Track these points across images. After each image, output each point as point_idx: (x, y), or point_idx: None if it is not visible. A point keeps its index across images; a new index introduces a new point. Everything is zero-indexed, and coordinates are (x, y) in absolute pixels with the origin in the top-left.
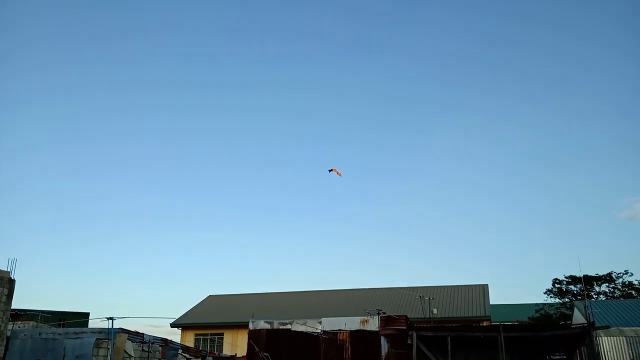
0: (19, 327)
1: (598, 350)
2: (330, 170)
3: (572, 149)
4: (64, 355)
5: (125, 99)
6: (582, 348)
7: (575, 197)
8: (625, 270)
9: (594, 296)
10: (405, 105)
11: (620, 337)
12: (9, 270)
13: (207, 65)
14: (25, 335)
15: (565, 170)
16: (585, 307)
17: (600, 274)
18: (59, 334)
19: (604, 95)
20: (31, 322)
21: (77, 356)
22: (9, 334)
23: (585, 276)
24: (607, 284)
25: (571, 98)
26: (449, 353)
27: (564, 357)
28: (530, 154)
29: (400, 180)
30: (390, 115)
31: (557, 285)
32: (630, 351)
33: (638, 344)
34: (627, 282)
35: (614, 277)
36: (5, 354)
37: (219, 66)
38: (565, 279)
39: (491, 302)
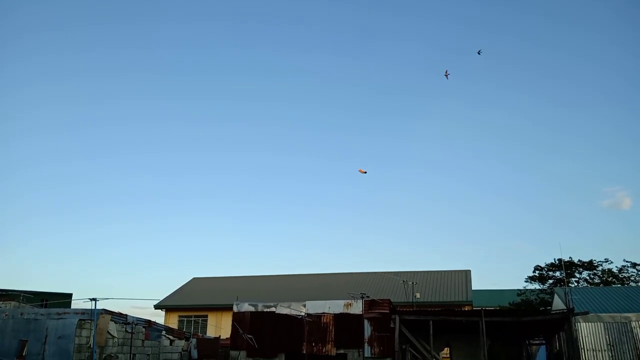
0: (0, 307)
1: (576, 336)
2: (363, 172)
3: (557, 136)
4: (46, 336)
5: (111, 82)
6: (561, 333)
7: (559, 185)
8: (605, 259)
9: (575, 283)
10: (389, 91)
11: (598, 323)
12: None
13: (201, 49)
14: (7, 315)
15: (549, 158)
16: (565, 293)
17: (582, 260)
18: (42, 314)
19: (592, 84)
20: (13, 302)
21: (60, 337)
22: None
23: (566, 262)
24: (587, 271)
25: (559, 85)
26: (431, 337)
27: (544, 342)
28: (516, 141)
29: (385, 165)
30: (374, 101)
31: (537, 272)
32: (607, 336)
33: (615, 330)
34: (607, 270)
35: (594, 264)
36: None
37: (211, 50)
38: (546, 266)
39: (473, 288)
